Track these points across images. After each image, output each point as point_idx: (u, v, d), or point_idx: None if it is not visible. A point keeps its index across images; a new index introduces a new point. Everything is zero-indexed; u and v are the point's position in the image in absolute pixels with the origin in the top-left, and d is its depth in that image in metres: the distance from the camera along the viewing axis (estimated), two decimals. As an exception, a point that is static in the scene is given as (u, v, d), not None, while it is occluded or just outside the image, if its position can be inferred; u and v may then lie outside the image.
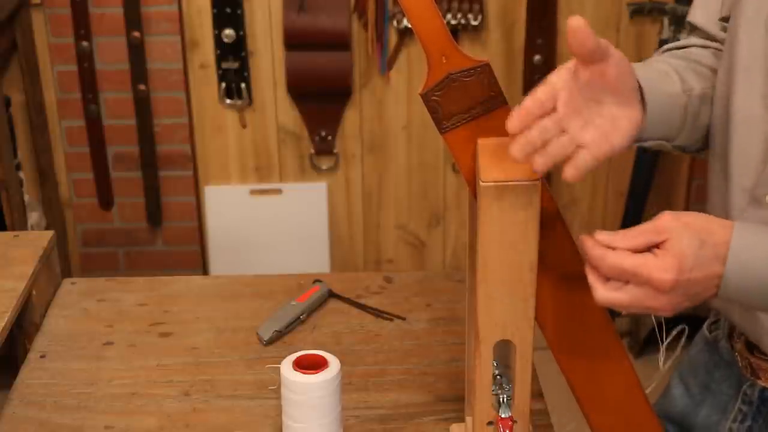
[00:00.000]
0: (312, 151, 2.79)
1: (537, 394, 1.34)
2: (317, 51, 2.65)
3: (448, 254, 2.94)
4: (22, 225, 2.48)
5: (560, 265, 1.08)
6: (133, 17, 2.61)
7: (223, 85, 2.71)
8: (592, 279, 0.98)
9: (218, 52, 2.68)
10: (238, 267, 2.86)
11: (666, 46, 1.22)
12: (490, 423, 1.12)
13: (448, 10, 2.60)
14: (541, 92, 0.98)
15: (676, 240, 0.95)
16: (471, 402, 1.15)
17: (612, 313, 1.08)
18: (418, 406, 1.34)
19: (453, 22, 2.61)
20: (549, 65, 2.65)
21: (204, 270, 2.89)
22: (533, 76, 2.67)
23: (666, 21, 2.63)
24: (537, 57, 2.68)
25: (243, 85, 2.71)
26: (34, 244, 1.58)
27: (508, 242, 1.01)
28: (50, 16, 2.62)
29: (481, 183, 0.99)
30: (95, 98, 2.68)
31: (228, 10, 2.63)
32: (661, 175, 2.80)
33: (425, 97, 1.03)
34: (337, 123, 2.77)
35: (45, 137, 2.71)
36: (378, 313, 1.53)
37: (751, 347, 1.17)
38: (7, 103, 2.55)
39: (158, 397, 1.36)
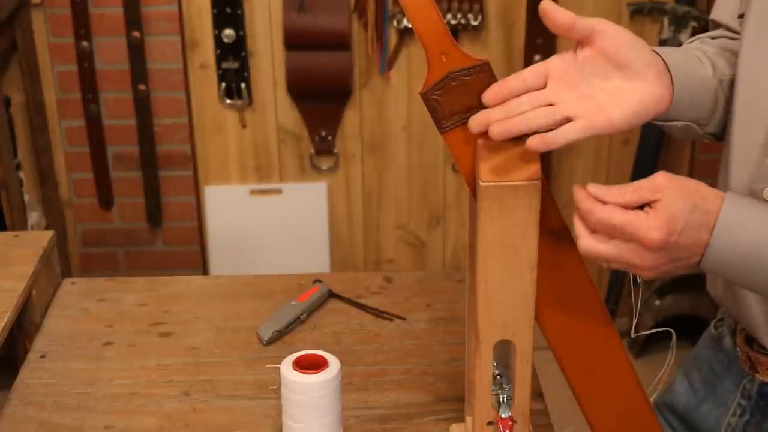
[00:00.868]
0: (312, 151, 2.79)
1: (537, 394, 1.34)
2: (317, 51, 2.65)
3: (448, 254, 2.94)
4: (22, 225, 2.48)
5: (560, 264, 1.08)
6: (133, 17, 2.61)
7: (223, 85, 2.71)
8: (579, 228, 0.97)
9: (218, 52, 2.68)
10: (238, 267, 2.86)
11: (697, 36, 1.22)
12: (490, 423, 1.12)
13: (448, 10, 2.60)
14: (528, 71, 0.99)
15: (669, 200, 0.94)
16: (471, 402, 1.15)
17: (612, 313, 1.08)
18: (418, 406, 1.33)
19: (453, 22, 2.61)
20: (549, 65, 2.65)
21: (204, 270, 2.89)
22: (533, 75, 2.67)
23: (666, 21, 2.63)
24: (537, 57, 2.67)
25: (243, 85, 2.71)
26: (34, 244, 1.57)
27: (508, 242, 1.01)
28: (50, 16, 2.62)
29: (481, 183, 0.99)
30: (95, 98, 2.68)
31: (228, 10, 2.63)
32: (661, 175, 2.80)
33: (425, 96, 1.02)
34: (337, 123, 2.77)
35: (45, 137, 2.71)
36: (378, 313, 1.53)
37: (751, 341, 1.18)
38: (7, 103, 2.54)
39: (158, 397, 1.36)
